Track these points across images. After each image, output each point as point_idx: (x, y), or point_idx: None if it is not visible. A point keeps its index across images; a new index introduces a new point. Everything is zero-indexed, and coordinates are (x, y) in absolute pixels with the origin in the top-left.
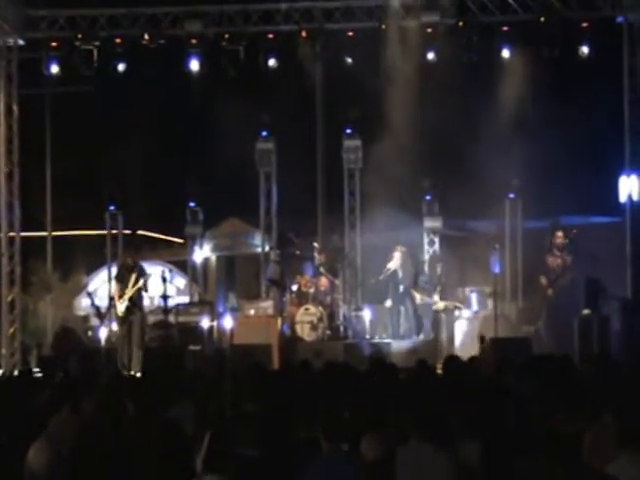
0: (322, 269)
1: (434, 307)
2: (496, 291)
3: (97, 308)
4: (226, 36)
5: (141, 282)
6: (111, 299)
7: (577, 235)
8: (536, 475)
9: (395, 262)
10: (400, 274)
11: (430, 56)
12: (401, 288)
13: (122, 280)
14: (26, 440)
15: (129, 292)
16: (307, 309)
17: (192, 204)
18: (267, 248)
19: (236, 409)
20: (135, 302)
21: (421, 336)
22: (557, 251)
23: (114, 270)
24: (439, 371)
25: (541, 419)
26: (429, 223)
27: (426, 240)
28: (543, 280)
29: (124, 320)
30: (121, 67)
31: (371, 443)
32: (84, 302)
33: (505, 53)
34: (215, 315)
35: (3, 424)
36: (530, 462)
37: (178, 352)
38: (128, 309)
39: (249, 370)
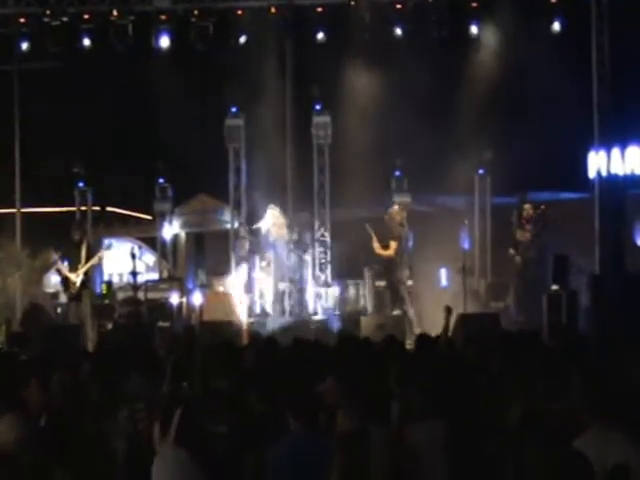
0: (291, 245)
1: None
2: (465, 267)
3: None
4: (195, 12)
5: (97, 257)
6: (64, 279)
7: (545, 210)
8: (503, 452)
9: (266, 222)
10: (271, 236)
11: (398, 32)
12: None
13: (71, 256)
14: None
15: (83, 267)
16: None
17: (161, 180)
18: (236, 224)
19: (205, 386)
20: (88, 277)
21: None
22: (525, 225)
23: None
24: (408, 347)
25: (508, 395)
26: (398, 199)
27: None
28: (512, 251)
29: (77, 295)
30: (89, 43)
31: (346, 417)
32: (53, 279)
33: (474, 29)
34: (184, 292)
35: None
36: (497, 439)
37: (147, 329)
38: (82, 283)
39: (218, 347)
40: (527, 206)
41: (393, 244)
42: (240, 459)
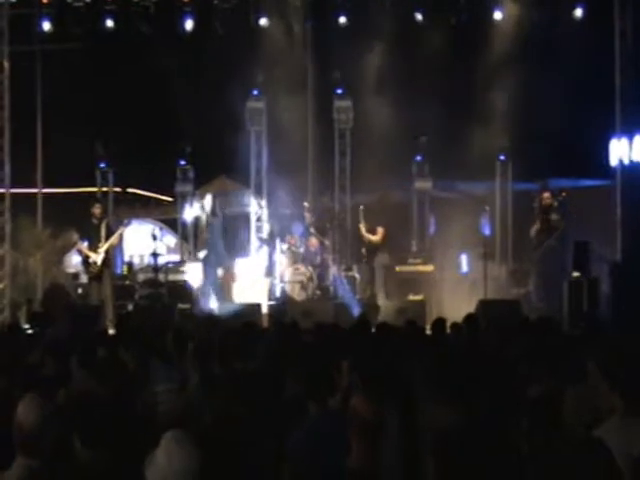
0: (312, 229)
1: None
2: (486, 253)
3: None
4: None
5: (117, 234)
6: (85, 259)
7: (566, 198)
8: (520, 438)
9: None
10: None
11: (419, 17)
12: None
13: (91, 235)
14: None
15: (104, 246)
16: (297, 269)
17: (182, 162)
18: (257, 207)
19: (226, 368)
20: (109, 257)
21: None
22: (544, 212)
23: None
24: (428, 332)
25: (528, 381)
26: (419, 184)
27: (416, 201)
28: (533, 231)
29: (98, 275)
30: (111, 24)
31: (363, 401)
32: (74, 259)
33: (497, 15)
34: (205, 274)
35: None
36: (515, 425)
37: (167, 310)
38: (103, 263)
39: (239, 329)
40: (546, 195)
41: (380, 230)
42: (260, 442)
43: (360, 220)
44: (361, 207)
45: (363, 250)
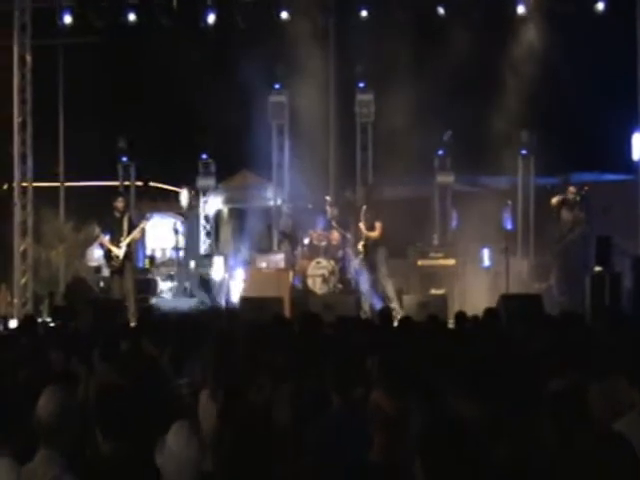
0: (334, 223)
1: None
2: (507, 247)
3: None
4: None
5: (140, 228)
6: (107, 252)
7: (589, 192)
8: (541, 432)
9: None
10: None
11: (441, 11)
12: None
13: (114, 229)
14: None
15: (126, 240)
16: (319, 262)
17: (204, 156)
18: (279, 201)
19: (249, 360)
20: (131, 251)
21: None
22: (569, 206)
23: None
24: (450, 326)
25: (551, 375)
26: (441, 178)
27: (438, 195)
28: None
29: (120, 269)
30: (133, 18)
31: (384, 396)
32: (96, 252)
33: (520, 9)
34: (227, 267)
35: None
36: (536, 419)
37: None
38: (125, 257)
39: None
40: (571, 189)
41: (378, 225)
42: (285, 433)
43: (360, 219)
44: (364, 207)
45: (360, 246)
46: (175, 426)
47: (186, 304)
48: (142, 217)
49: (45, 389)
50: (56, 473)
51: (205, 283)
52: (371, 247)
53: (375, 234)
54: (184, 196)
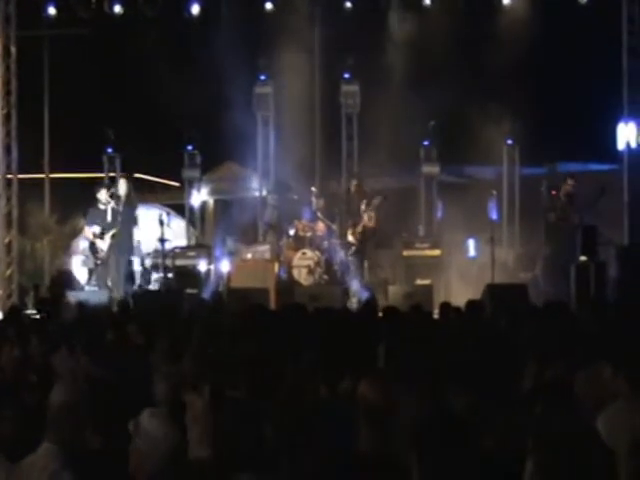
0: (319, 214)
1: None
2: (493, 237)
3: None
4: None
5: None
6: (92, 244)
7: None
8: (527, 422)
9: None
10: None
11: (427, 1)
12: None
13: (97, 220)
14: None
15: (111, 230)
16: (304, 253)
17: (190, 147)
18: (265, 192)
19: (230, 350)
20: (116, 242)
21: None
22: (565, 197)
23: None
24: (435, 316)
25: (536, 365)
26: (427, 169)
27: (423, 186)
28: (552, 217)
29: (105, 260)
30: (118, 9)
31: (371, 385)
32: (81, 244)
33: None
34: (212, 259)
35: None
36: (522, 409)
37: (175, 295)
38: (110, 248)
39: (245, 311)
40: (570, 181)
41: (372, 215)
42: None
43: (364, 210)
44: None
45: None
46: (149, 411)
47: (100, 297)
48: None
49: (55, 385)
50: (56, 468)
51: (131, 275)
52: (365, 238)
53: (371, 224)
54: (122, 187)
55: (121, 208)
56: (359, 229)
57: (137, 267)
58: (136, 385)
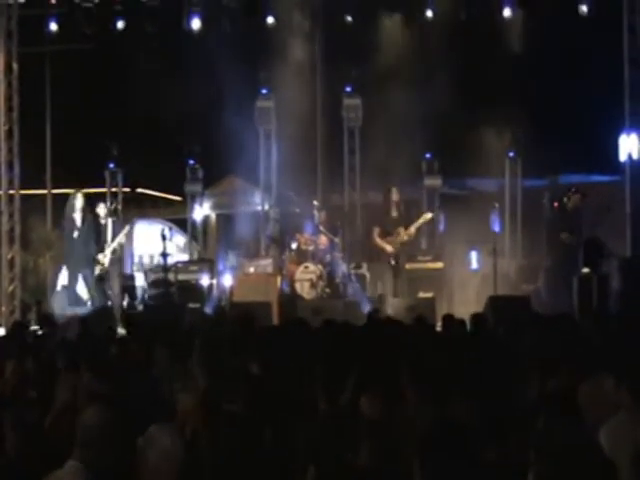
0: (322, 227)
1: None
2: (495, 249)
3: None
4: None
5: (123, 234)
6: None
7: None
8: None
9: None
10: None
11: (429, 14)
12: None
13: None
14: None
15: (110, 246)
16: (306, 267)
17: (192, 162)
18: (267, 206)
19: (230, 364)
20: (117, 257)
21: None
22: (573, 212)
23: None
24: (438, 329)
25: (540, 376)
26: (429, 181)
27: (425, 198)
28: (564, 236)
29: (105, 275)
30: (121, 25)
31: (372, 401)
32: None
33: (507, 12)
34: (215, 273)
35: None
36: (525, 421)
37: (177, 310)
38: (111, 262)
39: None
40: (577, 196)
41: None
42: (256, 438)
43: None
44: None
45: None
46: (158, 425)
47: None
48: (126, 222)
49: (91, 405)
50: None
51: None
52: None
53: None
54: (79, 201)
55: (79, 224)
56: (403, 238)
57: (140, 282)
58: (139, 400)
